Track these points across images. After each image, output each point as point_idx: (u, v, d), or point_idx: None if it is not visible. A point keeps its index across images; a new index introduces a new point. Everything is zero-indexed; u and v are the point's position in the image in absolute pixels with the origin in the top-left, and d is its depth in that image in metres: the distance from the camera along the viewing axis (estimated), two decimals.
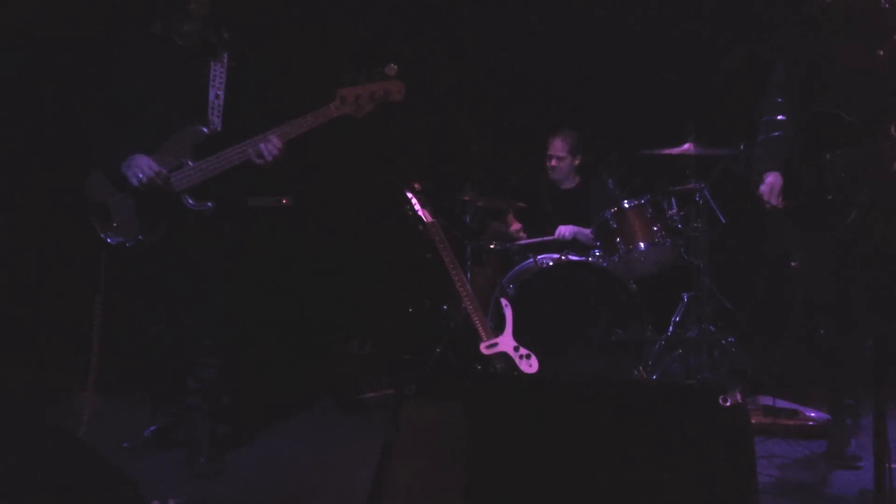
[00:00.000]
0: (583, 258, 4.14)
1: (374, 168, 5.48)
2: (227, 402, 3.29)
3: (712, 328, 4.34)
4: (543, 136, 4.85)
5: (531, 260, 4.16)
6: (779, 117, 3.05)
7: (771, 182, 3.01)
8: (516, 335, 3.60)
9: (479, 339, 3.58)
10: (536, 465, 1.89)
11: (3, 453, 2.10)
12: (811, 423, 3.40)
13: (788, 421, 3.41)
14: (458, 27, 5.36)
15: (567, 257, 4.07)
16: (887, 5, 2.50)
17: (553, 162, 4.71)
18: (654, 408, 1.90)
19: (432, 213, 3.98)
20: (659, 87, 5.15)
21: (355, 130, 5.33)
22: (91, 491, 2.25)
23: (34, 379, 3.95)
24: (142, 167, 2.95)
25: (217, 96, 3.05)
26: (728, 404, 1.79)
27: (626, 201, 4.25)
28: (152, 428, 3.39)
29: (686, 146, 4.29)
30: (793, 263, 4.74)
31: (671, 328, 4.50)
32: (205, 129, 3.02)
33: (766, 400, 3.61)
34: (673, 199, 4.34)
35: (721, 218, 4.45)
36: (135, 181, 2.95)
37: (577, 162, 4.73)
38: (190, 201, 3.01)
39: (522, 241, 4.66)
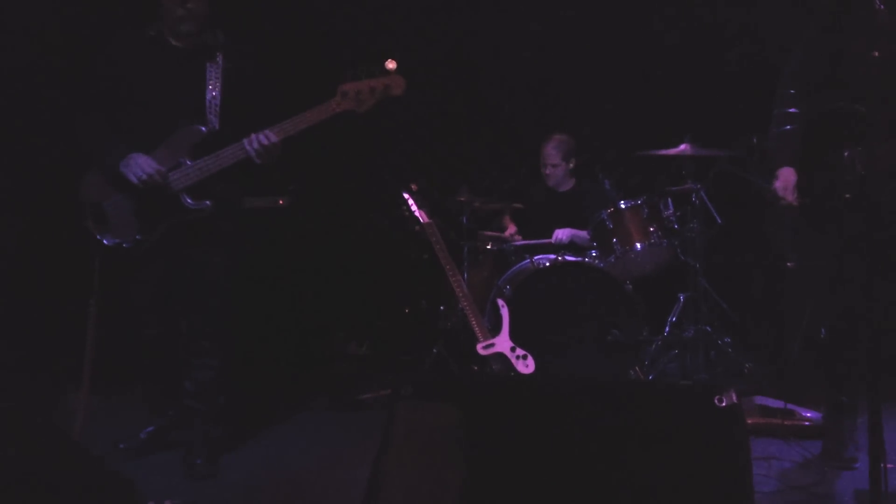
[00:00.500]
0: (579, 259, 4.15)
1: (370, 169, 5.48)
2: (223, 404, 3.28)
3: (709, 328, 4.35)
4: (540, 137, 4.86)
5: (528, 261, 4.16)
6: (791, 110, 2.98)
7: (786, 177, 2.93)
8: (513, 336, 3.60)
9: (475, 340, 3.58)
10: (533, 466, 1.89)
11: None
12: (807, 423, 3.41)
13: (784, 421, 3.41)
14: (456, 28, 5.36)
15: (564, 258, 4.08)
16: (882, 6, 2.51)
17: (548, 170, 4.72)
18: (650, 408, 1.90)
19: (429, 214, 3.99)
20: (655, 88, 5.16)
21: (353, 132, 5.36)
22: (86, 492, 2.25)
23: (30, 380, 3.94)
24: (141, 166, 2.94)
25: (214, 96, 3.05)
26: (724, 405, 1.79)
27: (622, 202, 4.26)
28: (149, 429, 3.38)
29: (682, 147, 4.29)
30: (789, 264, 4.75)
31: (667, 328, 4.51)
32: (202, 129, 3.01)
33: (762, 400, 3.62)
34: (669, 200, 4.35)
35: (717, 218, 4.46)
36: (134, 179, 2.94)
37: (571, 165, 4.73)
38: (188, 200, 3.01)
39: (518, 243, 4.67)
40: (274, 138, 2.97)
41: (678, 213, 4.34)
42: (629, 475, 1.84)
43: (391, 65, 3.05)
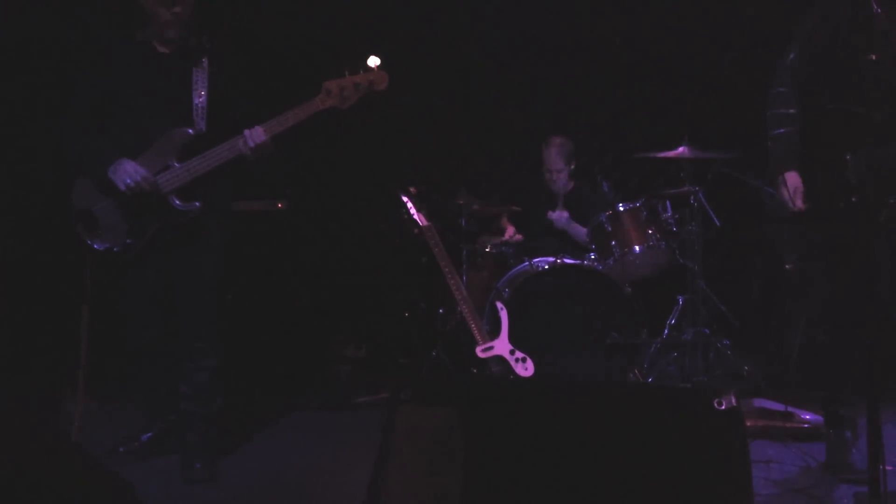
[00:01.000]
0: (578, 261, 4.15)
1: (369, 172, 5.49)
2: (221, 406, 3.28)
3: (707, 331, 4.35)
4: (538, 139, 4.86)
5: (526, 263, 4.16)
6: (790, 111, 2.91)
7: (793, 183, 2.85)
8: (512, 338, 3.60)
9: (474, 343, 3.58)
10: (532, 469, 1.89)
11: None
12: (806, 425, 3.41)
13: (783, 423, 3.42)
14: (454, 31, 5.37)
15: (562, 260, 4.08)
16: (879, 10, 2.51)
17: (553, 176, 4.72)
18: (649, 411, 1.90)
19: (428, 217, 3.99)
20: (653, 91, 5.17)
21: (352, 134, 5.36)
22: (86, 496, 2.25)
23: (29, 384, 3.94)
24: (129, 172, 2.96)
25: (201, 100, 3.08)
26: (723, 407, 1.79)
27: (620, 204, 4.26)
28: (149, 434, 3.38)
29: (680, 149, 4.30)
30: (787, 266, 4.76)
31: (666, 331, 4.51)
32: (190, 131, 3.03)
33: (761, 402, 3.62)
34: (668, 202, 4.35)
35: (716, 221, 4.47)
36: (122, 186, 2.96)
37: (571, 167, 4.74)
38: (177, 202, 3.02)
39: (514, 239, 4.67)
40: (263, 137, 2.99)
41: (676, 216, 4.35)
42: (628, 478, 1.84)
43: (374, 61, 3.07)
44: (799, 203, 2.84)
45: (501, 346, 3.58)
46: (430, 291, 4.85)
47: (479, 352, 3.55)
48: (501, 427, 1.97)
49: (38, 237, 4.24)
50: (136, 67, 3.08)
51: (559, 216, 4.58)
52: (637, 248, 4.20)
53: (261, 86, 3.52)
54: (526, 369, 3.54)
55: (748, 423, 3.37)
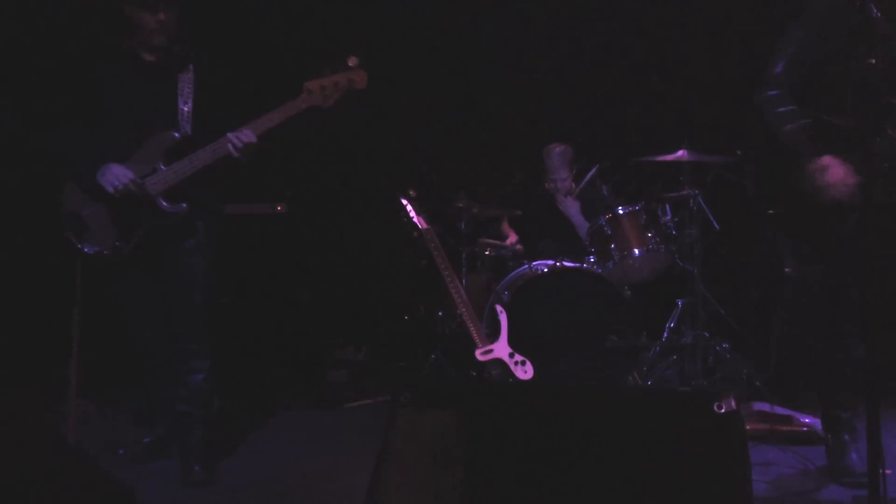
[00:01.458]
0: (577, 264, 4.15)
1: (369, 175, 5.49)
2: (219, 408, 3.29)
3: (706, 334, 4.35)
4: (538, 142, 4.86)
5: (526, 266, 4.17)
6: (790, 107, 2.85)
7: (833, 163, 2.69)
8: (511, 341, 3.61)
9: (474, 346, 3.58)
10: (532, 472, 1.89)
11: None
12: (805, 428, 3.41)
13: (783, 427, 3.42)
14: (454, 34, 5.38)
15: (562, 263, 4.08)
16: (879, 14, 2.52)
17: (557, 184, 4.72)
18: (648, 414, 1.90)
19: (427, 220, 3.99)
20: (653, 95, 5.17)
21: (352, 137, 5.36)
22: (85, 499, 2.24)
23: (25, 387, 3.93)
24: (116, 175, 3.00)
25: (186, 104, 3.12)
26: (723, 411, 1.79)
27: (620, 208, 4.27)
28: (150, 437, 3.39)
29: (680, 153, 4.30)
30: (786, 269, 4.76)
31: (665, 334, 4.51)
32: (176, 134, 3.07)
33: (761, 406, 3.62)
34: (667, 206, 4.35)
35: (715, 224, 4.47)
36: (110, 189, 3.00)
37: (573, 172, 4.75)
38: (164, 204, 3.06)
39: (516, 248, 4.67)
40: (250, 137, 3.03)
41: (676, 219, 4.35)
42: (628, 482, 1.84)
43: (353, 61, 3.11)
44: (851, 181, 2.68)
45: (501, 349, 3.58)
46: (430, 294, 4.85)
47: (479, 355, 3.55)
48: (500, 430, 1.97)
49: (27, 242, 4.25)
50: (122, 75, 3.13)
51: (572, 205, 4.58)
52: (636, 251, 4.20)
53: (245, 90, 3.54)
54: (525, 372, 3.54)
55: (748, 427, 3.37)
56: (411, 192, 4.16)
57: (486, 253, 4.63)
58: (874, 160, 2.59)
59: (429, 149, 5.57)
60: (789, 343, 4.73)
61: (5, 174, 4.29)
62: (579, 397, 2.00)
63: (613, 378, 3.91)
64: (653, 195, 4.40)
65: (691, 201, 4.35)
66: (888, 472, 2.26)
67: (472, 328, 3.61)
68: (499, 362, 3.55)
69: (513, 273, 4.24)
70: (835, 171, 2.71)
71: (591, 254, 4.36)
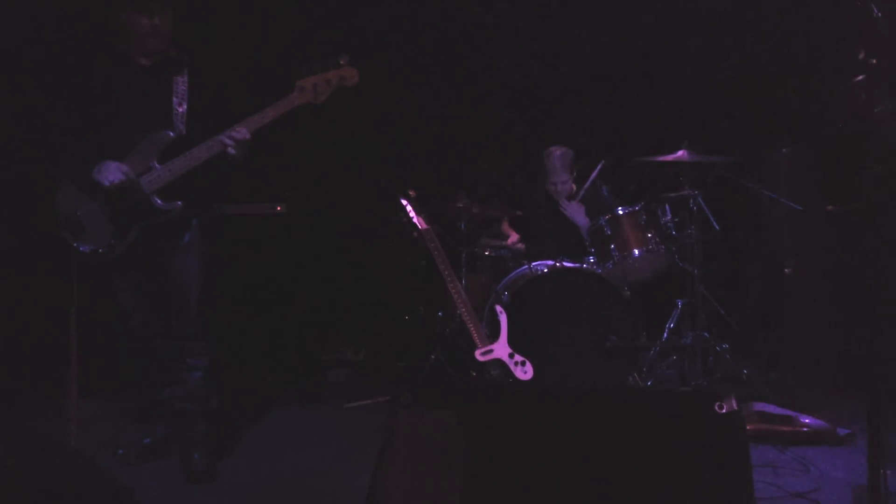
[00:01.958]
0: (577, 265, 4.15)
1: (368, 175, 5.49)
2: (217, 406, 3.30)
3: (706, 334, 4.35)
4: (537, 142, 4.86)
5: (526, 266, 4.16)
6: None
7: None
8: (511, 342, 3.60)
9: (473, 346, 3.58)
10: (532, 472, 1.89)
11: None
12: (806, 429, 3.41)
13: (783, 427, 3.41)
14: (454, 34, 5.38)
15: (562, 264, 4.07)
16: (880, 14, 2.51)
17: (558, 187, 4.72)
18: (649, 414, 1.89)
19: (427, 220, 3.99)
20: (653, 95, 5.17)
21: (351, 137, 5.36)
22: (85, 499, 2.24)
23: (24, 387, 3.93)
24: (112, 170, 3.03)
25: (181, 105, 3.15)
26: (724, 411, 1.79)
27: (620, 208, 4.26)
28: (150, 437, 3.39)
29: (680, 153, 4.30)
30: (786, 270, 4.76)
31: (665, 334, 4.51)
32: (170, 134, 3.10)
33: (761, 406, 3.61)
34: (667, 206, 4.35)
35: (715, 225, 4.47)
36: (106, 183, 3.02)
37: (573, 174, 4.75)
38: (159, 202, 3.08)
39: (517, 247, 4.67)
40: (244, 134, 3.05)
41: (676, 220, 4.34)
42: (629, 482, 1.84)
43: (344, 59, 3.16)
44: None
45: (500, 349, 3.58)
46: (430, 295, 4.84)
47: (479, 355, 3.55)
48: (500, 431, 1.96)
49: (23, 242, 4.25)
50: (118, 78, 3.16)
51: (577, 209, 4.57)
52: (636, 251, 4.20)
53: (239, 86, 3.56)
54: (525, 373, 3.54)
55: (748, 427, 3.37)
56: (411, 193, 4.16)
57: (486, 253, 4.62)
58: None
59: (429, 149, 5.56)
60: (790, 343, 4.73)
61: (1, 174, 4.29)
62: (579, 398, 2.00)
63: (613, 378, 3.91)
64: (653, 195, 4.40)
65: (691, 201, 4.35)
66: (889, 472, 2.25)
67: (471, 328, 3.61)
68: (499, 363, 3.55)
69: (513, 273, 4.24)
70: None
71: (590, 254, 4.36)
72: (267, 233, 4.69)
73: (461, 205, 4.49)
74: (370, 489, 1.95)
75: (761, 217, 4.99)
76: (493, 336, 3.63)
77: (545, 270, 4.03)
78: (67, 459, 2.31)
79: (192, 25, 3.37)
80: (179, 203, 3.09)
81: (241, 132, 3.05)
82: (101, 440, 3.45)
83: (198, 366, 3.20)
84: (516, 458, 1.92)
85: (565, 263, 4.09)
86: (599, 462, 1.87)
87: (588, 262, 4.28)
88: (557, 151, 4.69)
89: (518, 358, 3.55)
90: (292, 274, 4.98)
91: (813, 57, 4.79)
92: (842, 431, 3.40)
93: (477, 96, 5.56)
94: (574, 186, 4.75)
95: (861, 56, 2.47)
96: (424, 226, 3.95)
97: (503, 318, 3.66)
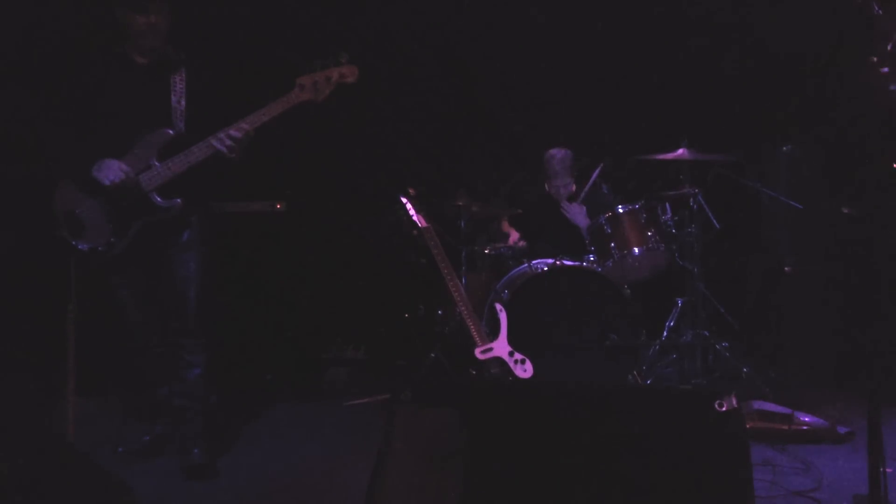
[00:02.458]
0: (577, 263, 4.14)
1: (368, 173, 5.48)
2: (215, 403, 3.30)
3: (706, 333, 4.35)
4: (537, 141, 4.85)
5: (525, 265, 4.16)
6: None
7: None
8: (511, 340, 3.60)
9: (473, 344, 3.58)
10: (532, 470, 1.89)
11: None
12: (805, 427, 3.41)
13: (783, 426, 3.41)
14: (453, 33, 5.37)
15: (561, 262, 4.07)
16: (880, 11, 2.51)
17: (561, 190, 4.72)
18: (649, 412, 1.89)
19: (427, 219, 3.98)
20: (653, 93, 5.17)
21: (351, 135, 5.35)
22: (84, 497, 2.24)
23: (28, 385, 3.93)
24: (112, 168, 3.03)
25: (179, 103, 3.15)
26: (723, 409, 1.79)
27: (620, 206, 4.26)
28: (150, 435, 3.39)
29: (680, 151, 4.30)
30: (786, 268, 4.76)
31: (665, 333, 4.50)
32: (170, 132, 3.10)
33: (761, 405, 3.61)
34: (667, 205, 4.35)
35: (715, 223, 4.46)
36: (107, 182, 3.03)
37: (574, 175, 4.75)
38: (158, 199, 3.08)
39: (519, 245, 4.67)
40: (239, 135, 3.06)
41: (676, 218, 4.34)
42: (628, 480, 1.84)
43: (344, 57, 3.16)
44: None
45: (500, 347, 3.57)
46: (429, 293, 4.84)
47: (478, 353, 3.55)
48: (500, 429, 1.96)
49: (21, 239, 4.25)
50: (115, 77, 3.16)
51: (578, 211, 4.57)
52: (636, 250, 4.20)
53: (239, 84, 3.56)
54: (525, 371, 3.54)
55: (748, 425, 3.37)
56: (411, 191, 4.16)
57: (486, 252, 4.62)
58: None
59: (429, 147, 5.56)
60: (789, 341, 4.73)
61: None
62: (579, 396, 2.00)
63: (613, 377, 3.91)
64: (653, 194, 4.40)
65: (691, 200, 4.35)
66: (888, 470, 2.25)
67: (471, 327, 3.61)
68: (498, 361, 3.55)
69: (512, 272, 4.24)
70: None
71: (590, 252, 4.36)
72: (266, 230, 4.68)
73: (461, 203, 4.49)
74: (370, 487, 1.95)
75: (761, 215, 4.99)
76: (493, 334, 3.62)
77: (545, 269, 4.03)
78: (67, 457, 2.31)
79: (191, 23, 3.37)
80: (179, 201, 3.09)
81: (241, 131, 3.04)
82: (100, 438, 3.45)
83: (197, 363, 3.20)
84: (516, 456, 1.92)
85: (565, 262, 4.09)
86: (599, 460, 1.87)
87: (588, 261, 4.28)
88: (558, 154, 4.68)
89: (518, 356, 3.55)
90: (292, 271, 4.98)
91: (813, 54, 4.78)
92: (841, 430, 3.40)
93: (477, 95, 5.55)
94: (574, 187, 4.75)
95: (890, 48, 2.45)
96: (424, 224, 3.95)
97: (503, 317, 3.65)
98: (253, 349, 4.67)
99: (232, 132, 3.04)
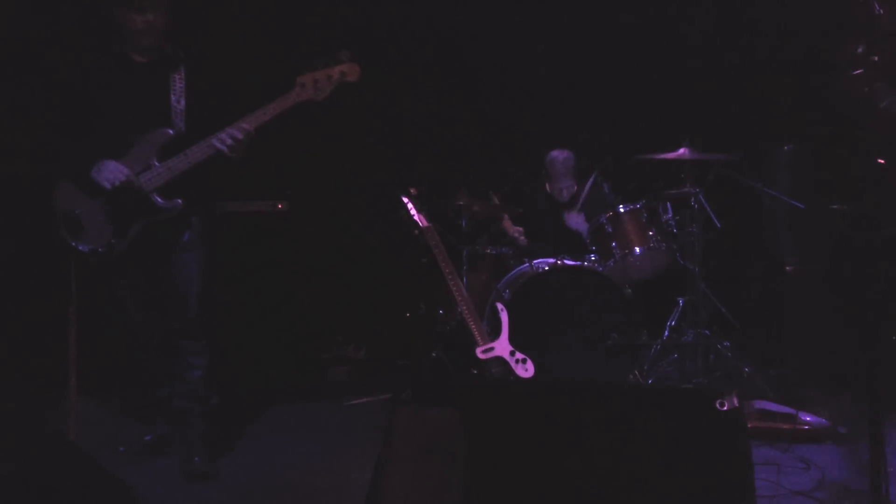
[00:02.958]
0: (578, 263, 4.14)
1: (369, 173, 5.48)
2: (216, 404, 3.30)
3: (707, 332, 4.34)
4: (538, 140, 4.85)
5: (527, 264, 4.16)
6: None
7: None
8: (512, 340, 3.60)
9: (474, 344, 3.57)
10: (533, 470, 1.89)
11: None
12: (806, 426, 3.41)
13: (784, 425, 3.41)
14: (454, 32, 5.37)
15: (563, 262, 4.07)
16: (881, 11, 2.51)
17: (564, 193, 4.71)
18: (650, 412, 1.89)
19: (428, 218, 3.98)
20: (654, 92, 5.16)
21: (352, 135, 5.35)
22: (85, 496, 2.24)
23: (29, 385, 3.93)
24: (112, 171, 3.02)
25: (179, 102, 3.14)
26: (725, 408, 1.79)
27: (621, 206, 4.26)
28: (151, 434, 3.39)
29: (681, 151, 4.29)
30: (787, 268, 4.76)
31: (667, 332, 4.50)
32: (170, 131, 3.09)
33: (762, 404, 3.61)
34: (668, 204, 4.34)
35: (716, 222, 4.46)
36: (107, 185, 3.02)
37: (576, 175, 4.75)
38: (159, 200, 3.07)
39: (521, 241, 4.67)
40: (240, 135, 3.05)
41: (677, 217, 4.34)
42: (630, 479, 1.84)
43: (345, 55, 3.16)
44: None
45: (501, 347, 3.57)
46: (431, 292, 4.84)
47: (480, 353, 3.55)
48: (502, 428, 1.96)
49: (22, 241, 4.25)
50: (114, 76, 3.14)
51: (578, 220, 4.58)
52: (637, 249, 4.20)
53: (239, 83, 3.56)
54: (526, 370, 3.54)
55: (749, 425, 3.36)
56: (412, 190, 4.15)
57: (487, 251, 4.62)
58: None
59: (430, 146, 5.56)
60: (790, 341, 4.72)
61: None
62: (580, 396, 2.00)
63: (614, 376, 3.91)
64: (654, 193, 4.40)
65: (693, 199, 4.34)
66: (890, 470, 2.25)
67: (472, 326, 3.61)
68: (500, 360, 3.55)
69: (514, 271, 4.24)
70: None
71: (592, 252, 4.35)
72: (267, 230, 4.69)
73: (462, 202, 4.49)
74: (371, 486, 1.95)
75: (762, 215, 4.98)
76: (494, 334, 3.62)
77: (546, 268, 4.03)
78: (69, 456, 2.32)
79: (191, 21, 3.36)
80: (179, 201, 3.08)
81: (241, 131, 3.03)
82: (101, 438, 3.45)
83: (198, 364, 3.19)
84: (517, 455, 1.92)
85: (566, 261, 4.09)
86: (601, 459, 1.87)
87: (589, 260, 4.28)
88: (561, 157, 4.69)
89: (519, 356, 3.55)
90: (293, 271, 4.98)
91: (814, 53, 4.77)
92: (842, 429, 3.40)
93: (478, 92, 5.55)
94: (576, 188, 4.76)
95: (860, 50, 2.47)
96: (425, 223, 3.95)
97: (504, 316, 3.65)
98: (254, 349, 4.67)
99: (233, 132, 3.03)
